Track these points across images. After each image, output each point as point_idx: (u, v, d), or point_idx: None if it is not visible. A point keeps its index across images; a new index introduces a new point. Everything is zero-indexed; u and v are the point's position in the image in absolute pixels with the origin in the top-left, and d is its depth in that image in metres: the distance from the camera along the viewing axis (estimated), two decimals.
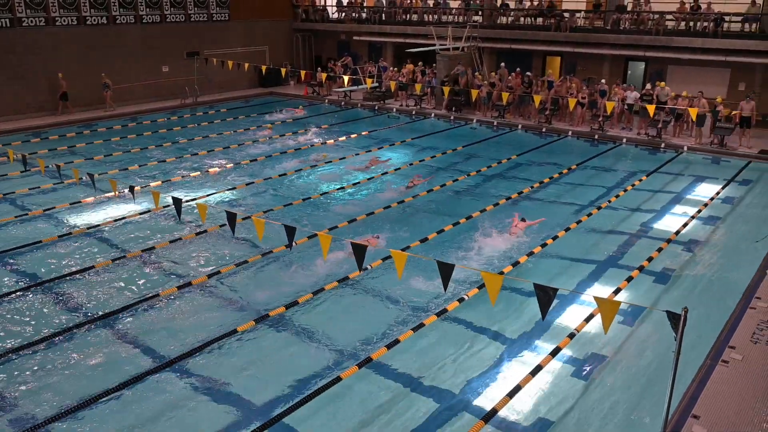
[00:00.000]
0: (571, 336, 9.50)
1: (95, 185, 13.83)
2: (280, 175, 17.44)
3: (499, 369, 8.82)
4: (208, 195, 15.80)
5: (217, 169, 18.13)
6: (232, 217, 10.11)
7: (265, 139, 21.67)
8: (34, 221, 14.06)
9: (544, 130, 23.08)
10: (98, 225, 13.78)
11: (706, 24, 23.07)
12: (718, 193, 16.15)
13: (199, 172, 17.76)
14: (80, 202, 15.25)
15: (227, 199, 15.59)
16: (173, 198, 10.94)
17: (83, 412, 8.00)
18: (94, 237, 13.24)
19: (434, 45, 26.52)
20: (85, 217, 14.35)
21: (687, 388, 8.21)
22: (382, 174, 17.79)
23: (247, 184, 16.67)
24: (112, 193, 15.28)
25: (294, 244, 10.13)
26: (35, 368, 8.89)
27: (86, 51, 25.65)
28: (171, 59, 28.25)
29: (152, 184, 16.56)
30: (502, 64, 26.14)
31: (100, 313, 10.22)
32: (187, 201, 14.92)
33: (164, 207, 14.40)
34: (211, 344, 9.36)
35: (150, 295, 10.76)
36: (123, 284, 11.20)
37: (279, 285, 11.14)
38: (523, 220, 13.44)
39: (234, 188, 16.39)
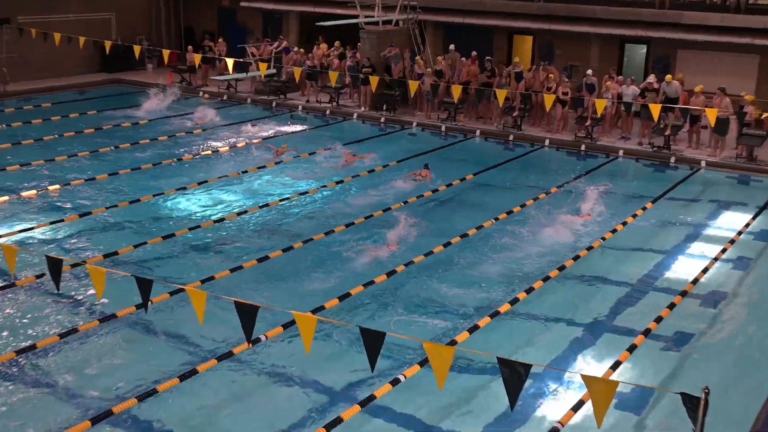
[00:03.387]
0: None
1: None
2: (131, 202, 17.10)
3: None
4: (20, 231, 15.34)
5: (35, 192, 17.65)
6: (56, 265, 9.82)
7: (108, 148, 21.24)
8: None
9: (511, 138, 23.60)
10: None
11: None
12: (747, 225, 16.89)
13: (6, 197, 17.23)
14: None
15: (50, 238, 15.19)
16: None
17: None
18: None
19: (357, 17, 26.86)
20: None
21: None
22: (335, 184, 18.57)
23: (81, 215, 16.28)
24: None
25: (150, 302, 9.91)
26: None
27: None
28: None
29: None
30: (452, 46, 26.67)
31: None
32: None
33: None
34: None
35: None
36: None
37: (128, 367, 10.85)
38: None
39: (61, 221, 15.99)
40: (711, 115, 19.97)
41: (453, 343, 11.25)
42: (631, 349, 11.53)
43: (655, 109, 20.04)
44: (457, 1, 27.87)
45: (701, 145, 22.44)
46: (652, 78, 23.02)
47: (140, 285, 9.14)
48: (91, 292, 12.57)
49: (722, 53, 24.43)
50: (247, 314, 8.53)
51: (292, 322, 11.39)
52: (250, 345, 10.68)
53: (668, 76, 22.59)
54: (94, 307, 12.32)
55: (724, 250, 15.44)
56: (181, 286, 11.53)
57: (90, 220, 16.18)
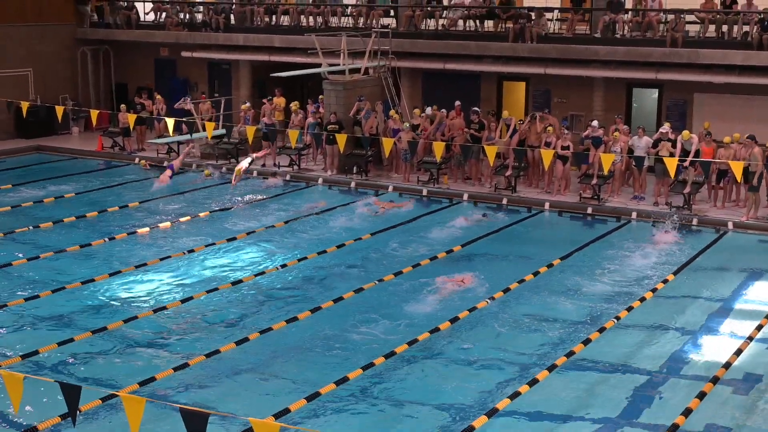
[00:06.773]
0: None
1: None
2: (54, 290, 16.96)
3: None
4: None
5: None
6: None
7: (26, 228, 21.14)
8: None
9: (505, 201, 23.75)
10: None
11: (747, 29, 24.83)
12: None
13: None
14: None
15: None
16: None
17: None
18: None
19: (320, 65, 27.15)
20: None
21: None
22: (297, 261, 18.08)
23: None
24: None
25: (79, 411, 9.77)
26: None
27: None
28: None
29: None
30: (428, 109, 26.69)
31: None
32: None
33: None
34: None
35: None
36: None
37: None
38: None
39: None
40: (737, 169, 20.05)
41: None
42: None
43: (671, 163, 20.08)
44: (436, 44, 28.25)
45: (727, 203, 22.60)
46: (666, 127, 23.19)
47: (66, 393, 9.01)
48: (6, 402, 12.40)
49: (745, 96, 24.84)
50: (196, 423, 8.42)
51: (251, 431, 11.29)
52: None
53: (685, 132, 22.72)
54: (10, 421, 12.11)
55: (759, 327, 15.45)
56: (114, 392, 11.44)
57: (4, 314, 16.04)
